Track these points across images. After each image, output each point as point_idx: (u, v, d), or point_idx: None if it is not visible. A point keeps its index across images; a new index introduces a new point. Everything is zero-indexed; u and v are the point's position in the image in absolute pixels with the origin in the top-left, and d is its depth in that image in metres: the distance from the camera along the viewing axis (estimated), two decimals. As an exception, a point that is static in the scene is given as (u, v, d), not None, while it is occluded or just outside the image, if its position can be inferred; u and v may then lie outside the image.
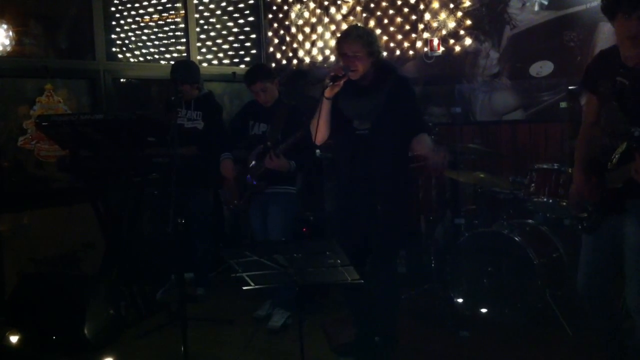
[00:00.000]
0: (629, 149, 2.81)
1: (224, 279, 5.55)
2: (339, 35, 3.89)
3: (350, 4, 6.46)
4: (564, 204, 4.30)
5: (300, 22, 6.80)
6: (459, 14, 5.84)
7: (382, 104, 3.63)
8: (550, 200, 4.33)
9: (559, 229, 4.60)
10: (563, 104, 5.37)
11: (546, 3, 5.40)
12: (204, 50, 6.86)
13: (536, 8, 5.45)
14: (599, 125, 3.10)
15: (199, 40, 6.74)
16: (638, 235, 2.97)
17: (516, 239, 4.32)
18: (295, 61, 6.89)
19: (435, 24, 5.96)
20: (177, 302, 4.41)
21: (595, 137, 3.12)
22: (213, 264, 5.54)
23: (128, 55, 6.58)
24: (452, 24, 5.87)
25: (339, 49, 3.69)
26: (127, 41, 6.65)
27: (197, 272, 5.43)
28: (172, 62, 5.51)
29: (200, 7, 6.83)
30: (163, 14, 6.78)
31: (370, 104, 3.64)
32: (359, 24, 6.06)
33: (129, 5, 6.67)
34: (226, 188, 4.83)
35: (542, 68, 5.48)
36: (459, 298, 4.52)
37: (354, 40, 3.64)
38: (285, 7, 6.91)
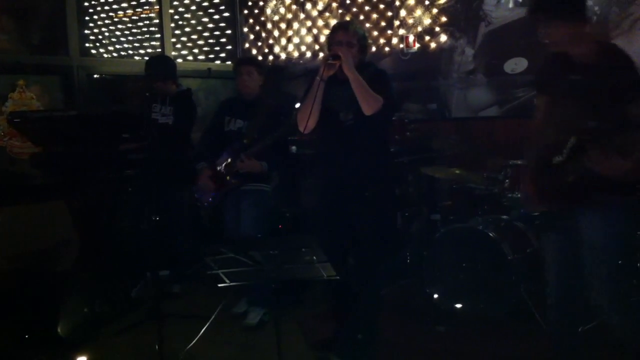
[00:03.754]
0: (579, 142, 2.88)
1: (200, 276, 5.52)
2: (333, 25, 3.92)
3: (327, 0, 6.45)
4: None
5: (276, 18, 6.78)
6: (435, 10, 5.86)
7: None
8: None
9: (534, 224, 4.63)
10: (537, 101, 5.41)
11: (521, 0, 5.44)
12: (178, 46, 6.81)
13: (511, 5, 5.49)
14: (552, 126, 3.14)
15: (174, 35, 6.70)
16: (598, 231, 3.02)
17: (491, 234, 4.35)
18: (271, 57, 6.88)
19: (410, 21, 5.98)
20: (152, 299, 4.39)
21: (548, 138, 3.16)
22: (189, 261, 5.50)
23: (102, 51, 6.52)
24: (427, 21, 5.89)
25: (335, 36, 3.70)
26: (100, 37, 6.58)
27: (173, 269, 5.40)
28: (147, 58, 5.47)
29: (175, 3, 6.78)
30: (137, 9, 6.72)
31: (353, 94, 3.65)
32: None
33: (102, 1, 6.60)
34: (200, 185, 4.80)
35: (517, 65, 5.52)
36: (435, 293, 4.54)
37: (352, 30, 3.69)
38: (261, 3, 6.90)
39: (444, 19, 5.82)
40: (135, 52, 6.72)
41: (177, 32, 6.81)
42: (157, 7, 6.53)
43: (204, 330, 4.16)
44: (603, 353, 3.61)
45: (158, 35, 6.55)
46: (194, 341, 4.06)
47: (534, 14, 3.08)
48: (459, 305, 4.47)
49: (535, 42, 5.31)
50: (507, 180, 4.46)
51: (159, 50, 6.46)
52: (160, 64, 5.21)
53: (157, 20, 6.57)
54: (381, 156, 3.81)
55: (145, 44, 6.71)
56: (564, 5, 2.99)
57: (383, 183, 3.77)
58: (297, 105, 4.08)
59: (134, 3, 6.71)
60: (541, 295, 4.33)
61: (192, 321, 4.62)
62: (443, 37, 5.83)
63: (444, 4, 5.82)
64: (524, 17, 5.44)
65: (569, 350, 3.32)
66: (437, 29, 5.85)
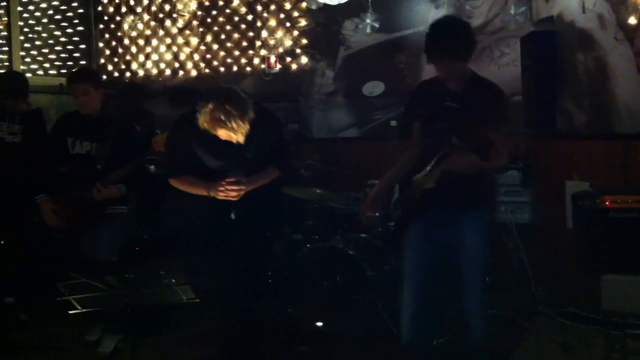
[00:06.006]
0: (443, 155, 3.14)
1: (50, 303, 5.21)
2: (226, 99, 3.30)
3: (187, 17, 6.37)
4: (395, 218, 4.49)
5: (134, 34, 6.60)
6: (296, 33, 5.94)
7: (255, 148, 3.50)
8: (383, 215, 4.49)
9: (391, 242, 4.76)
10: (393, 123, 5.61)
11: (377, 26, 5.62)
12: (28, 59, 6.48)
13: (368, 30, 5.67)
14: (421, 148, 3.36)
15: (23, 49, 6.37)
16: (478, 245, 3.27)
17: (351, 252, 4.43)
18: (128, 74, 6.67)
19: (272, 42, 6.02)
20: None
21: (414, 159, 3.38)
22: (37, 287, 5.18)
23: (-59, 63, 6.07)
24: (288, 43, 5.96)
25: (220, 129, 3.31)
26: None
27: (19, 296, 5.06)
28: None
29: (25, 15, 6.45)
30: (-17, 20, 6.34)
31: (243, 149, 3.46)
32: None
33: (-56, 10, 6.17)
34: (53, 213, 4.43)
35: (374, 88, 5.70)
36: (297, 312, 4.54)
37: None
38: (118, 18, 6.69)
39: (304, 41, 5.91)
40: (-20, 65, 6.31)
41: (27, 45, 6.49)
42: (5, 18, 6.20)
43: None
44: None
45: (6, 49, 6.20)
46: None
47: (431, 53, 3.23)
48: (320, 324, 4.49)
49: (390, 67, 5.58)
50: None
51: (7, 64, 6.12)
52: (11, 80, 4.96)
53: (5, 33, 6.24)
54: (273, 190, 3.75)
55: (-9, 57, 6.33)
56: (460, 48, 3.19)
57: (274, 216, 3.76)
58: (158, 132, 3.92)
59: (-21, 13, 6.32)
60: (399, 311, 4.47)
61: (42, 352, 4.37)
62: (304, 59, 5.92)
63: (304, 26, 5.91)
64: (381, 42, 5.65)
65: None
66: (298, 50, 5.93)
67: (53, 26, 6.74)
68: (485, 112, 3.14)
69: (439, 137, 3.24)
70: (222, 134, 3.30)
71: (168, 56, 6.47)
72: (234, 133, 3.26)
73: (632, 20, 4.21)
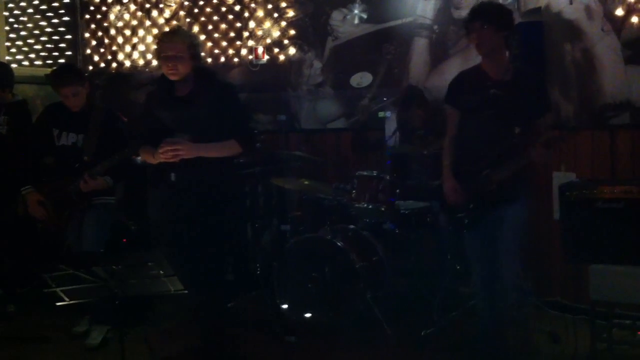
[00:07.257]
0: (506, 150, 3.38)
1: (37, 295, 5.18)
2: (159, 35, 3.81)
3: (174, 7, 6.33)
4: (383, 209, 4.50)
5: (120, 24, 6.55)
6: (283, 23, 5.92)
7: (205, 115, 3.57)
8: (371, 206, 4.50)
9: (379, 233, 4.78)
10: (381, 114, 5.60)
11: (365, 17, 5.61)
12: (13, 50, 6.42)
13: (356, 21, 5.65)
14: (465, 136, 3.54)
15: (8, 39, 6.31)
16: (515, 219, 3.49)
17: (339, 243, 4.43)
18: (114, 64, 6.62)
19: (259, 32, 5.99)
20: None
21: (465, 148, 3.56)
22: (25, 279, 5.15)
23: None
24: (276, 33, 5.94)
25: (160, 49, 3.61)
26: None
27: (6, 287, 5.03)
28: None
29: (10, 5, 6.39)
30: (-33, 10, 6.27)
31: (192, 116, 3.57)
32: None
33: None
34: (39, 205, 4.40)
35: (362, 79, 5.68)
36: (285, 304, 4.55)
37: (179, 40, 3.57)
38: (104, 8, 6.63)
39: (292, 32, 5.89)
40: (-36, 56, 6.25)
41: (12, 35, 6.43)
42: (-10, 9, 6.12)
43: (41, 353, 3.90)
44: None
45: (-9, 39, 6.14)
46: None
47: (471, 21, 3.45)
48: (308, 315, 4.50)
49: (378, 58, 5.57)
50: (354, 191, 4.57)
51: (-8, 54, 6.06)
52: None
53: (-11, 23, 6.16)
54: (227, 170, 3.74)
55: (-24, 48, 6.26)
56: (498, 16, 3.44)
57: (225, 196, 3.73)
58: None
59: (-37, 3, 6.25)
60: (386, 301, 4.49)
61: (30, 343, 4.35)
62: (292, 50, 5.90)
63: (292, 17, 5.89)
64: (369, 32, 5.63)
65: (497, 323, 3.71)
66: (286, 41, 5.91)
67: (39, 16, 6.67)
68: (530, 100, 3.39)
69: (484, 126, 3.41)
70: (167, 49, 3.59)
71: (155, 47, 6.42)
72: (173, 47, 3.57)
73: (619, 12, 4.23)
